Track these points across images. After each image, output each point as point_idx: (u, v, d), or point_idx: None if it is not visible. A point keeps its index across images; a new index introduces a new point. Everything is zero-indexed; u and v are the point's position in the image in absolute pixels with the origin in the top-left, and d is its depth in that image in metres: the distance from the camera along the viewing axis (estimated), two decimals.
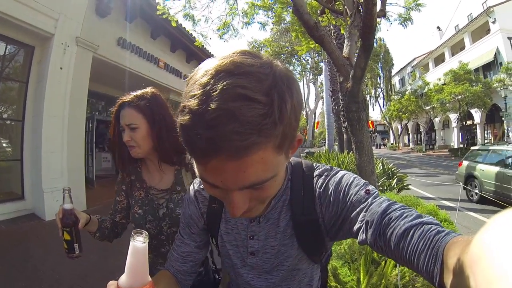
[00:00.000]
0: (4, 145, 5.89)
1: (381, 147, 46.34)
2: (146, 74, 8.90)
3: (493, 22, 21.20)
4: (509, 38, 20.25)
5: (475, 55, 22.79)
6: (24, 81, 5.61)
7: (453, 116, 24.68)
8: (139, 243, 0.52)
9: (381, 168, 7.47)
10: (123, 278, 0.53)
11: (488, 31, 22.18)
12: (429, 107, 25.34)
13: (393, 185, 6.76)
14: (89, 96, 6.69)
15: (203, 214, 0.85)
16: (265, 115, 0.44)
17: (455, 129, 25.92)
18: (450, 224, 4.61)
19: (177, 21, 5.72)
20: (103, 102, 10.13)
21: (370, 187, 0.64)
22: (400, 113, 28.18)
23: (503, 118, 19.85)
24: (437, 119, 28.24)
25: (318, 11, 5.97)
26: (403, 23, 5.93)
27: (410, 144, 37.17)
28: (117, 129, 1.27)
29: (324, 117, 17.00)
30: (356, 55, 3.91)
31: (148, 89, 1.33)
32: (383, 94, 39.43)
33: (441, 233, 0.46)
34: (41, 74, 5.56)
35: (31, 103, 5.62)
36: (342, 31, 9.43)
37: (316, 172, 0.74)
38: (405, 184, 7.22)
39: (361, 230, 0.59)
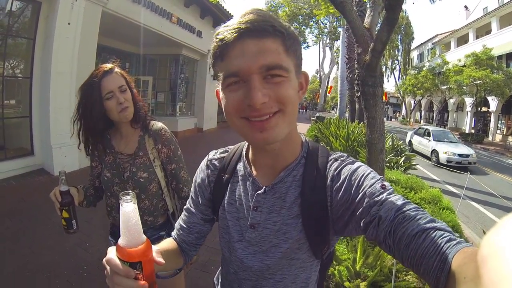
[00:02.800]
0: (13, 102, 5.90)
1: (392, 119, 45.62)
2: (158, 29, 8.66)
3: None
4: None
5: (501, 41, 21.45)
6: (31, 37, 5.48)
7: (468, 100, 23.92)
8: (127, 202, 0.56)
9: (390, 143, 7.35)
10: (120, 240, 0.57)
11: None
12: (445, 87, 24.52)
13: (400, 163, 6.68)
14: (99, 51, 6.56)
15: (210, 183, 0.86)
16: (279, 25, 0.59)
17: (469, 114, 25.22)
18: (451, 213, 4.56)
19: None
20: (114, 56, 9.95)
21: (386, 183, 0.62)
22: (415, 89, 27.39)
23: None
24: (451, 100, 27.44)
25: None
26: None
27: (422, 121, 36.49)
28: (99, 97, 1.31)
29: (338, 82, 16.69)
30: (377, 26, 3.69)
31: (116, 63, 1.43)
32: (399, 67, 38.21)
33: (452, 241, 0.46)
34: (49, 30, 5.41)
35: (38, 59, 5.53)
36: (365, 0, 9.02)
37: (332, 156, 0.73)
38: (412, 163, 7.12)
39: (371, 225, 0.57)
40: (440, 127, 29.94)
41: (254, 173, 0.77)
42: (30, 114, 5.62)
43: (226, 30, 0.59)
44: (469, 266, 0.38)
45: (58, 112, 5.45)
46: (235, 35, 0.57)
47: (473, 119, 24.90)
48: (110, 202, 1.47)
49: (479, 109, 22.82)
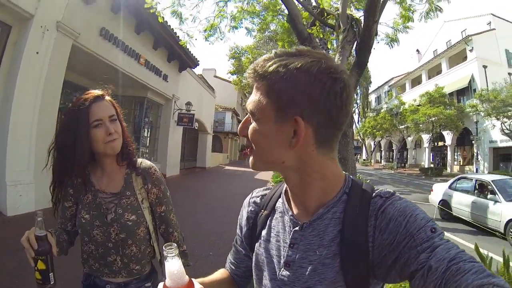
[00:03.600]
0: None
1: None
2: (126, 69, 8.65)
3: (470, 50, 22.50)
4: (484, 66, 21.50)
5: (451, 80, 24.01)
6: None
7: (425, 137, 25.75)
8: (172, 257, 0.65)
9: None
10: (166, 282, 0.65)
11: (465, 58, 23.48)
12: (403, 126, 26.38)
13: None
14: (63, 86, 6.33)
15: (249, 219, 0.86)
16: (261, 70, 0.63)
17: (427, 149, 27.02)
18: None
19: (163, 18, 5.56)
20: (77, 94, 9.66)
21: (437, 226, 0.57)
22: (374, 130, 29.13)
23: (473, 142, 20.91)
24: (410, 138, 29.35)
25: (308, 23, 6.01)
26: (389, 44, 6.10)
27: (382, 161, 38.30)
28: (85, 124, 1.18)
29: None
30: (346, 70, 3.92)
31: (104, 91, 1.31)
32: (358, 110, 40.53)
33: None
34: (16, 56, 5.19)
35: (1, 86, 5.20)
36: (329, 46, 9.63)
37: (376, 192, 0.68)
38: None
39: (419, 274, 0.52)
40: (400, 164, 31.69)
41: (294, 210, 0.74)
42: None
43: None
44: None
45: (16, 146, 5.09)
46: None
47: (431, 154, 26.68)
48: (87, 248, 1.25)
49: (436, 144, 24.58)
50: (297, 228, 0.71)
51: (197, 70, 16.42)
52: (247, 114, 0.69)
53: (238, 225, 0.92)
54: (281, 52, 0.63)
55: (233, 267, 0.94)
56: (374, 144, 39.47)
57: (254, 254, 0.82)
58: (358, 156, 45.88)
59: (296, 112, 0.60)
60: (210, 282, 0.83)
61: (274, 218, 0.79)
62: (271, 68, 0.61)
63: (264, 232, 0.80)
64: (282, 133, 0.62)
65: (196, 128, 17.32)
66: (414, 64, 33.53)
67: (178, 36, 9.19)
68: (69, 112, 1.23)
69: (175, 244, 0.66)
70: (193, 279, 0.68)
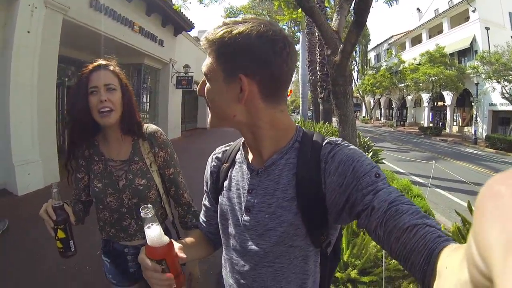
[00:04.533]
0: None
1: None
2: (120, 38, 8.45)
3: (473, 11, 21.55)
4: (486, 28, 20.68)
5: (452, 40, 23.23)
6: None
7: (425, 96, 25.48)
8: (146, 215, 0.69)
9: (357, 141, 7.67)
10: (147, 241, 0.70)
11: (467, 18, 22.56)
12: (403, 85, 26.02)
13: None
14: (59, 61, 6.21)
15: (212, 173, 0.92)
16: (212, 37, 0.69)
17: (427, 109, 26.85)
18: (422, 199, 4.87)
19: None
20: (73, 67, 9.48)
21: (381, 172, 0.63)
22: (374, 88, 28.79)
23: (472, 103, 20.68)
24: (409, 97, 29.09)
25: None
26: (389, 2, 5.92)
27: (382, 118, 38.23)
28: (84, 92, 1.20)
29: (299, 86, 17.06)
30: (344, 29, 3.86)
31: (112, 61, 1.32)
32: (357, 68, 39.79)
33: (441, 237, 0.49)
34: (7, 39, 5.05)
35: None
36: (326, 4, 9.35)
37: (327, 140, 0.74)
38: (380, 158, 7.47)
39: (364, 213, 0.59)
40: (400, 122, 31.68)
41: (250, 159, 0.80)
42: None
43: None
44: (452, 257, 0.40)
45: (19, 127, 5.11)
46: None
47: (431, 113, 26.54)
48: (102, 216, 1.32)
49: (435, 103, 24.39)
50: (253, 173, 0.77)
51: (193, 33, 16.00)
52: None
53: (204, 182, 0.97)
54: (228, 21, 0.69)
55: (205, 225, 0.99)
56: (373, 102, 39.17)
57: (218, 205, 0.88)
58: (358, 113, 45.67)
59: (240, 71, 0.67)
60: (186, 244, 0.87)
61: (234, 169, 0.85)
62: (218, 35, 0.67)
63: (226, 183, 0.85)
64: (230, 90, 0.69)
65: (195, 90, 17.07)
66: (415, 23, 32.35)
67: (171, 1, 8.90)
68: (74, 84, 1.27)
69: (150, 205, 0.70)
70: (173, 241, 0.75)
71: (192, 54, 15.14)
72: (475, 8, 21.42)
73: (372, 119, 40.55)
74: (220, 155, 0.93)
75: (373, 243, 2.58)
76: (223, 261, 0.90)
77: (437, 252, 0.46)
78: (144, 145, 1.32)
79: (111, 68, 1.26)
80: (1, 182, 5.21)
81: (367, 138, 8.44)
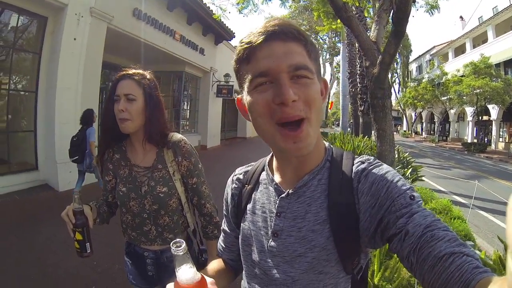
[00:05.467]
0: (18, 116, 5.91)
1: (394, 133, 45.72)
2: (162, 46, 8.79)
3: None
4: None
5: (498, 49, 21.73)
6: (37, 52, 5.56)
7: (469, 110, 24.03)
8: (179, 253, 0.61)
9: (396, 156, 7.32)
10: (178, 278, 0.62)
11: None
12: (445, 98, 24.70)
13: (407, 175, 6.63)
14: (103, 67, 6.63)
15: (233, 196, 0.86)
16: (302, 32, 0.62)
17: (470, 123, 25.29)
18: (463, 222, 4.52)
19: None
20: (116, 73, 10.06)
21: (416, 194, 0.59)
22: (415, 101, 27.63)
23: None
24: (452, 111, 27.59)
25: None
26: (430, 11, 5.67)
27: (423, 133, 36.65)
28: (112, 99, 1.27)
29: (339, 98, 16.81)
30: (383, 39, 3.73)
31: (147, 71, 1.37)
32: (399, 80, 38.65)
33: (479, 268, 0.45)
34: (54, 45, 5.49)
35: (44, 74, 5.59)
36: (366, 14, 9.15)
37: (358, 159, 0.70)
38: (419, 175, 7.07)
39: (397, 238, 0.55)
40: (442, 137, 30.13)
41: (278, 179, 0.75)
42: (35, 129, 5.64)
43: (252, 35, 0.61)
44: None
45: (63, 127, 5.46)
46: (262, 37, 0.59)
47: (475, 128, 24.96)
48: (125, 219, 1.37)
49: (480, 118, 22.82)
50: (283, 195, 0.71)
51: (234, 42, 16.36)
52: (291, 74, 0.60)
53: (224, 207, 0.91)
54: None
55: (226, 252, 0.93)
56: (415, 115, 37.63)
57: (240, 230, 0.81)
58: (399, 127, 44.19)
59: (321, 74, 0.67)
60: (211, 275, 0.79)
61: (258, 190, 0.79)
62: (306, 34, 0.63)
63: (249, 206, 0.79)
64: (320, 93, 0.65)
65: (235, 98, 17.40)
66: (458, 32, 30.81)
67: (212, 10, 9.16)
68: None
69: (183, 241, 0.63)
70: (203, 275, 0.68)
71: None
72: None
73: (413, 133, 38.95)
74: (241, 177, 0.87)
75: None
76: (243, 285, 0.84)
77: (474, 284, 0.43)
78: (168, 154, 1.34)
79: (136, 78, 1.29)
80: (44, 177, 5.61)
81: (407, 154, 8.05)
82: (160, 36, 8.63)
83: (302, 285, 0.67)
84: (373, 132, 3.25)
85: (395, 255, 2.48)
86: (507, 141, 22.68)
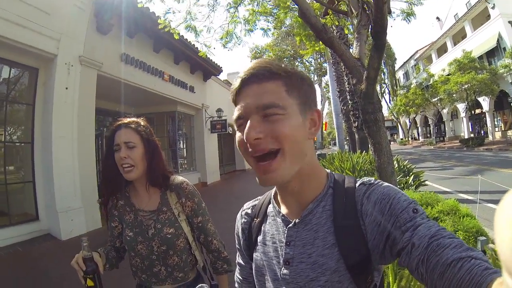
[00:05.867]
0: (13, 167, 5.91)
1: (391, 143, 45.89)
2: (152, 87, 8.94)
3: (492, 8, 20.99)
4: (510, 22, 19.96)
5: (478, 42, 22.54)
6: (30, 103, 5.64)
7: (461, 106, 24.41)
8: None
9: (396, 166, 7.31)
10: None
11: (488, 17, 21.94)
12: (436, 99, 25.14)
13: (410, 182, 6.61)
14: (96, 113, 6.71)
15: (244, 230, 0.89)
16: (277, 69, 0.65)
17: (464, 119, 25.60)
18: (472, 218, 4.46)
19: (179, 33, 5.70)
20: (110, 118, 10.13)
21: (419, 207, 0.61)
22: (407, 107, 28.05)
23: None
24: (445, 111, 27.98)
25: (321, 13, 5.90)
26: (406, 19, 5.85)
27: (420, 137, 36.93)
28: (111, 150, 1.32)
29: (332, 117, 17.04)
30: (367, 55, 3.82)
31: (140, 118, 1.42)
32: (388, 90, 39.31)
33: (489, 269, 0.45)
34: (47, 95, 5.59)
35: (39, 124, 5.65)
36: (346, 31, 9.41)
37: (359, 181, 0.72)
38: (422, 180, 7.05)
39: (404, 252, 0.56)
40: (439, 138, 30.29)
41: (284, 211, 0.77)
42: (33, 179, 5.60)
43: (236, 81, 0.69)
44: None
45: (61, 176, 5.46)
46: (239, 83, 0.67)
47: (469, 123, 25.20)
48: (134, 262, 1.39)
49: (473, 112, 23.08)
50: (290, 225, 0.74)
51: (222, 76, 16.63)
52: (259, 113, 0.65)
53: (236, 241, 0.94)
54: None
55: (244, 284, 0.95)
56: (409, 122, 38.09)
57: (253, 262, 0.83)
58: (395, 136, 44.35)
59: (313, 105, 0.70)
60: None
61: (267, 223, 0.82)
62: (287, 68, 0.67)
63: (260, 238, 0.82)
64: (305, 125, 0.67)
65: (231, 132, 17.55)
66: (437, 33, 31.72)
67: (197, 48, 9.36)
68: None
69: (207, 285, 0.70)
70: None
71: (224, 97, 15.60)
72: (493, 4, 20.80)
73: (410, 139, 39.16)
74: (249, 211, 0.90)
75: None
76: None
77: (485, 286, 0.43)
78: (172, 196, 1.39)
79: (132, 126, 1.33)
80: (46, 227, 5.54)
81: (406, 161, 8.05)
82: (149, 78, 8.79)
83: None
84: (370, 146, 3.27)
85: None
86: (503, 129, 22.87)
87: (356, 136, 11.13)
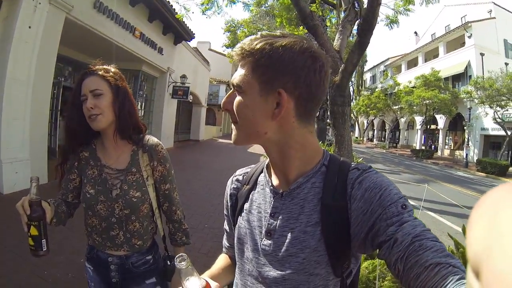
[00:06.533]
0: None
1: None
2: (121, 42, 8.45)
3: (469, 37, 22.28)
4: (481, 54, 21.34)
5: (447, 64, 23.90)
6: None
7: (418, 119, 25.91)
8: (184, 267, 0.67)
9: (352, 162, 7.68)
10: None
11: (462, 44, 23.27)
12: (397, 107, 26.47)
13: None
14: (57, 60, 6.19)
15: (232, 196, 0.89)
16: (250, 49, 0.67)
17: (419, 131, 27.26)
18: None
19: None
20: (70, 68, 9.39)
21: (408, 203, 0.61)
22: (368, 109, 29.19)
23: (465, 127, 20.91)
24: (403, 119, 29.52)
25: (308, 0, 5.89)
26: (389, 25, 6.03)
27: (374, 139, 38.71)
28: (77, 99, 1.21)
29: None
30: (346, 50, 3.91)
31: (112, 66, 1.31)
32: (353, 88, 40.40)
33: (463, 280, 0.46)
34: (7, 32, 5.00)
35: None
36: (328, 23, 9.49)
37: (354, 165, 0.72)
38: None
39: (386, 245, 0.57)
40: (392, 144, 32.09)
41: (275, 182, 0.77)
42: None
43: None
44: None
45: (11, 123, 5.01)
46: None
47: (423, 136, 26.97)
48: (91, 222, 1.28)
49: (428, 127, 24.78)
50: (277, 196, 0.74)
51: (192, 43, 16.09)
52: (231, 89, 0.73)
53: (224, 206, 0.94)
54: (266, 34, 0.68)
55: (230, 250, 0.95)
56: (367, 123, 39.70)
57: (236, 227, 0.84)
58: (351, 133, 45.96)
59: (279, 85, 0.66)
60: (218, 272, 0.88)
61: (256, 191, 0.82)
62: (258, 46, 0.65)
63: (246, 205, 0.82)
64: (266, 105, 0.67)
65: (191, 101, 17.27)
66: (412, 46, 33.19)
67: (175, 9, 8.95)
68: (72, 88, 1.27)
69: (185, 255, 0.69)
70: (206, 279, 0.72)
71: (190, 64, 15.22)
72: (471, 34, 22.13)
73: (364, 139, 40.95)
74: (240, 178, 0.90)
75: (365, 264, 2.52)
76: (236, 282, 0.85)
77: None
78: (144, 157, 1.30)
79: (100, 72, 1.23)
80: None
81: (361, 159, 8.49)
82: (119, 31, 8.27)
83: (292, 285, 0.69)
84: (327, 137, 3.40)
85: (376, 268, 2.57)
86: (452, 148, 24.89)
87: (315, 126, 11.44)
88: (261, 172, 0.85)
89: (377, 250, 0.61)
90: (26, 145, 5.34)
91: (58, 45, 5.95)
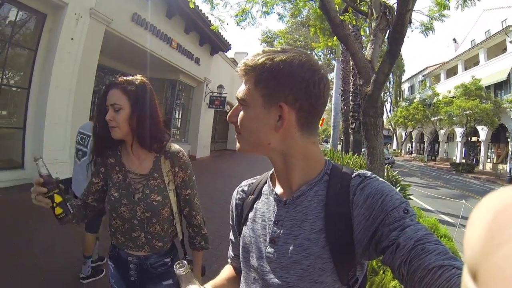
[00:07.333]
0: (6, 112, 5.82)
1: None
2: (158, 53, 8.80)
3: (511, 42, 20.79)
4: None
5: (489, 72, 22.42)
6: (33, 48, 5.50)
7: (458, 130, 24.53)
8: (183, 273, 0.69)
9: (385, 174, 7.38)
10: None
11: (504, 49, 21.78)
12: (436, 118, 25.22)
13: None
14: (98, 70, 6.60)
15: (237, 206, 0.92)
16: (252, 64, 0.70)
17: (459, 144, 25.78)
18: (449, 240, 4.57)
19: (195, 3, 5.60)
20: (111, 77, 9.93)
21: (410, 208, 0.61)
22: (406, 121, 28.09)
23: (508, 139, 19.57)
24: (442, 131, 28.11)
25: (341, 10, 5.84)
26: (424, 32, 5.81)
27: (413, 152, 37.17)
28: (103, 108, 1.30)
29: (331, 115, 17.00)
30: (378, 59, 3.80)
31: (138, 76, 1.37)
32: (391, 99, 39.28)
33: None
34: (51, 43, 5.45)
35: (38, 71, 5.52)
36: (362, 33, 9.34)
37: (356, 172, 0.73)
38: (407, 194, 7.14)
39: (389, 250, 0.57)
40: (431, 157, 30.58)
41: (278, 191, 0.79)
42: (24, 126, 5.52)
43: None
44: None
45: (53, 127, 5.39)
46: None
47: (464, 149, 25.40)
48: (115, 223, 1.37)
49: (469, 139, 23.26)
50: (280, 204, 0.76)
51: (229, 54, 16.41)
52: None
53: (230, 217, 0.96)
54: (268, 49, 0.71)
55: (236, 261, 0.96)
56: (405, 135, 38.26)
57: (241, 236, 0.85)
58: (388, 146, 44.54)
59: (281, 99, 0.68)
60: (221, 283, 0.91)
61: (260, 201, 0.84)
62: (259, 61, 0.69)
63: (251, 215, 0.84)
64: (269, 117, 0.70)
65: (228, 110, 17.46)
66: (450, 54, 31.67)
67: (210, 21, 9.24)
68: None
69: (185, 261, 0.71)
70: (206, 286, 0.76)
71: (227, 75, 15.46)
72: None
73: (403, 152, 39.45)
74: (246, 188, 0.93)
75: (393, 283, 2.42)
76: None
77: None
78: (166, 163, 1.37)
79: (121, 86, 1.30)
80: (29, 176, 5.47)
81: (396, 172, 8.14)
82: (157, 42, 8.65)
83: None
84: (363, 149, 3.31)
85: (381, 272, 2.49)
86: (494, 162, 23.15)
87: (351, 138, 11.18)
88: (266, 182, 0.87)
89: (381, 256, 0.60)
90: (66, 148, 5.70)
91: (99, 55, 6.34)
